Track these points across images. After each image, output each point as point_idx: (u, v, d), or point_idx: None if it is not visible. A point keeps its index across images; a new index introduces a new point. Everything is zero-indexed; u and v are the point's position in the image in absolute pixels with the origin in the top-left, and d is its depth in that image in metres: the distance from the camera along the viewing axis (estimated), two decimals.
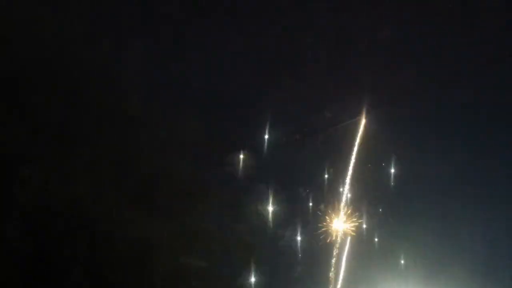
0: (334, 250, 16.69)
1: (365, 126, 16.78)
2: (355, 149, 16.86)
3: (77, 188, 12.55)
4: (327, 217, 16.76)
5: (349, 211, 16.92)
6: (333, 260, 16.70)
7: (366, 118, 16.71)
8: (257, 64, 16.23)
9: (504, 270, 17.15)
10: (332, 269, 16.74)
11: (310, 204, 16.86)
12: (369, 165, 16.97)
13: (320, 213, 16.76)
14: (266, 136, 16.10)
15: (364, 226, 16.95)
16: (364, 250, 16.99)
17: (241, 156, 15.92)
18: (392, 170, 16.86)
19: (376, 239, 17.00)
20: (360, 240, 17.01)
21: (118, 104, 13.66)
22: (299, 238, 16.44)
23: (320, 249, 16.64)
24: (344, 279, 16.82)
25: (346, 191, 17.01)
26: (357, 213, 16.88)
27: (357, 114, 16.72)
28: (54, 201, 12.33)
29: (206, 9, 15.69)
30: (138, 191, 13.56)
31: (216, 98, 15.87)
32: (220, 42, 15.99)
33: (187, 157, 14.64)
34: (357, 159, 16.91)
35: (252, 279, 15.55)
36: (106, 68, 13.64)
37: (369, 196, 17.09)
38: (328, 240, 16.62)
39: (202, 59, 15.73)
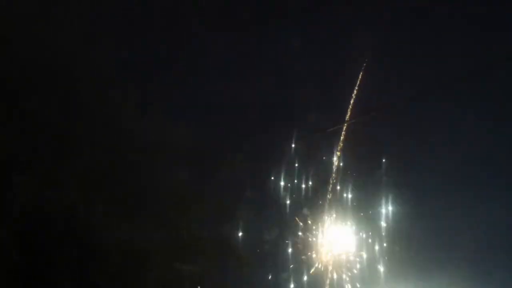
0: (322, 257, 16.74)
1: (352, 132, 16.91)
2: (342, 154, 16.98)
3: (68, 196, 12.39)
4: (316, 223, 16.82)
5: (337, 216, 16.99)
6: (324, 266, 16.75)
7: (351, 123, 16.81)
8: (251, 72, 16.13)
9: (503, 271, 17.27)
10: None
11: (303, 210, 16.87)
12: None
13: (308, 219, 16.79)
14: (259, 143, 16.04)
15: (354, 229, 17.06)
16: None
17: (234, 163, 15.80)
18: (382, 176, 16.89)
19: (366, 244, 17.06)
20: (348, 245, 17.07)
21: (111, 111, 13.47)
22: (291, 244, 16.45)
23: (312, 255, 16.67)
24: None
25: (336, 196, 17.10)
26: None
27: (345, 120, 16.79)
28: (46, 209, 12.15)
29: (203, 12, 15.54)
30: (131, 198, 13.43)
31: (208, 105, 15.79)
32: (214, 48, 15.86)
33: (179, 165, 14.50)
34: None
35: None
36: (98, 74, 13.43)
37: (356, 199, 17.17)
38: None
39: (196, 67, 15.64)
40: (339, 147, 17.15)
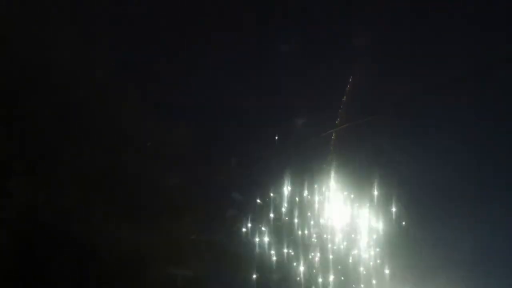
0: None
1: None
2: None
3: (62, 201, 12.36)
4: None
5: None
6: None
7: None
8: (246, 77, 16.12)
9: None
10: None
11: (299, 215, 16.81)
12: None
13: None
14: (255, 147, 16.01)
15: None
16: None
17: (229, 167, 15.78)
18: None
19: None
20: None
21: (105, 114, 13.45)
22: (288, 249, 16.38)
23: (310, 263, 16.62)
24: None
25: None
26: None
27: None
28: (39, 214, 12.13)
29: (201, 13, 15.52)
30: (126, 203, 13.41)
31: (204, 109, 15.76)
32: (202, 49, 15.83)
33: (175, 169, 14.48)
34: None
35: None
36: (92, 76, 13.40)
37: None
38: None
39: (193, 73, 15.62)
40: (334, 150, 17.15)
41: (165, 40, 15.09)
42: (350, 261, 16.93)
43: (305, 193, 16.80)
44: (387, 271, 16.80)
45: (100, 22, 14.11)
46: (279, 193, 16.47)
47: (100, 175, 13.05)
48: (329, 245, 16.89)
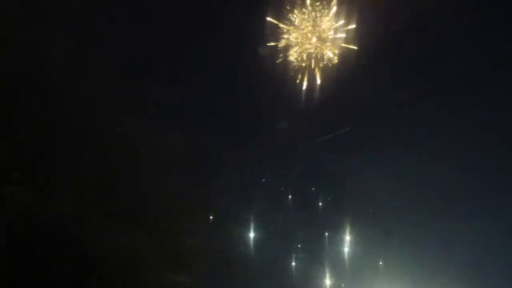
0: None
1: None
2: None
3: (60, 208, 12.29)
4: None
5: None
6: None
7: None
8: (244, 81, 16.08)
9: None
10: None
11: (297, 219, 16.78)
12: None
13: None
14: (252, 153, 16.00)
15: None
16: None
17: (227, 174, 15.77)
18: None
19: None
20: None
21: (103, 121, 13.40)
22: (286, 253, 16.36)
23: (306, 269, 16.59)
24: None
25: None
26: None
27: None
28: (38, 221, 12.07)
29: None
30: (124, 209, 13.38)
31: (203, 114, 15.75)
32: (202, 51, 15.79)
33: (173, 174, 14.46)
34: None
35: None
36: (89, 83, 13.36)
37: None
38: None
39: (191, 78, 15.60)
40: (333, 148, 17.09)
41: (165, 40, 15.10)
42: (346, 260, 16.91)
43: (304, 196, 16.84)
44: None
45: (100, 22, 14.10)
46: (277, 196, 16.51)
47: (98, 177, 13.02)
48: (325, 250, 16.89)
